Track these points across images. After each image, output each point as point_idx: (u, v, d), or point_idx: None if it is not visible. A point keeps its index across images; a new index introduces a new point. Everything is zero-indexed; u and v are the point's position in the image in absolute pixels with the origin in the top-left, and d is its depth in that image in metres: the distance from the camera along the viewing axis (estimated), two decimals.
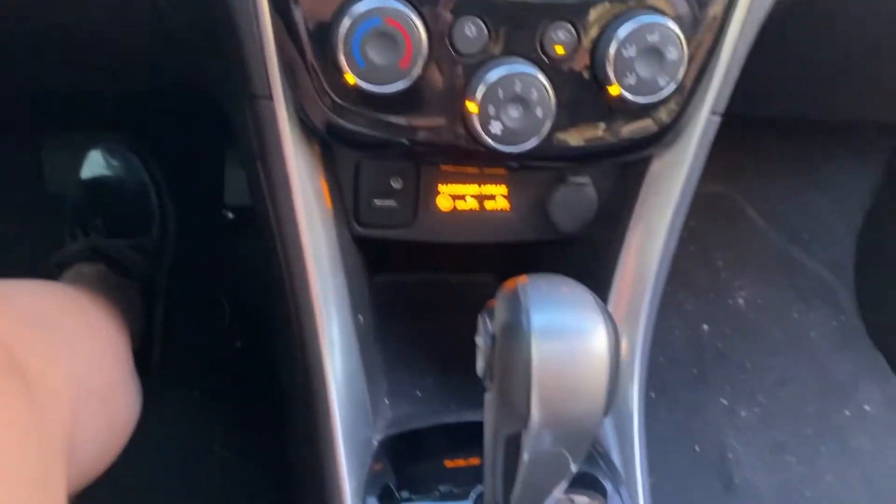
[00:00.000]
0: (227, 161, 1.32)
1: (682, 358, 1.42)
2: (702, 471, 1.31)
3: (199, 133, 1.30)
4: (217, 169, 1.31)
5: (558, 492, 0.52)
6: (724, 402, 1.39)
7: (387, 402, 0.81)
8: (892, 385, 1.45)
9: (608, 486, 0.68)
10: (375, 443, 0.70)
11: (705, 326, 1.47)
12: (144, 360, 1.15)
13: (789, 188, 1.59)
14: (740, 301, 1.51)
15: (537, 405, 0.46)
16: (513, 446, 0.50)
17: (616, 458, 0.71)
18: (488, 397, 0.51)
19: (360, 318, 0.72)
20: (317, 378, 0.65)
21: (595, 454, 0.71)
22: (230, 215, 1.34)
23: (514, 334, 0.46)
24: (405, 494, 0.66)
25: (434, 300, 0.95)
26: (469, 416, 0.73)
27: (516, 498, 0.53)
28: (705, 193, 1.59)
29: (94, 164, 1.22)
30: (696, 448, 1.34)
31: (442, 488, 0.66)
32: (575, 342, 0.46)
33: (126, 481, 1.08)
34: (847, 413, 1.40)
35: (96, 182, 1.21)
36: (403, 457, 0.70)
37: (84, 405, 0.60)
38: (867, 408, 1.41)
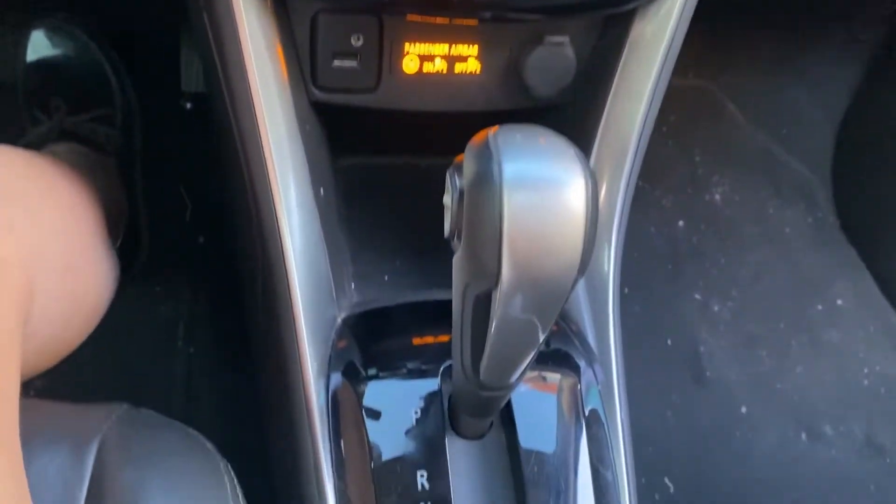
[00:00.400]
0: (182, 48, 1.23)
1: (657, 254, 1.40)
2: (673, 365, 1.31)
3: (150, 16, 1.22)
4: (172, 55, 1.23)
5: (527, 362, 0.49)
6: (698, 297, 1.38)
7: (353, 286, 0.77)
8: (864, 280, 1.44)
9: (581, 362, 0.66)
10: (339, 321, 0.67)
11: (681, 223, 1.44)
12: (133, 244, 1.11)
13: (771, 84, 1.54)
14: (717, 197, 1.48)
15: (508, 260, 0.42)
16: (481, 310, 0.47)
17: (591, 337, 0.69)
18: (456, 258, 0.47)
19: (322, 190, 0.67)
20: (275, 250, 0.61)
21: (569, 332, 0.69)
22: (188, 105, 1.26)
23: (484, 186, 0.42)
24: (371, 371, 0.63)
25: (403, 185, 0.90)
26: (439, 296, 0.70)
27: (485, 367, 0.50)
28: (686, 88, 1.55)
29: (40, 45, 1.14)
30: (669, 342, 1.33)
31: (410, 365, 0.63)
32: (550, 193, 0.42)
33: (87, 377, 1.05)
34: (819, 307, 1.40)
35: (46, 62, 1.12)
36: (369, 335, 0.66)
37: (42, 277, 0.55)
38: (839, 302, 1.41)
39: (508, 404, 0.61)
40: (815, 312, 1.40)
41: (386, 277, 0.80)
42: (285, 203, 0.61)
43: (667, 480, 1.18)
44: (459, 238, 0.45)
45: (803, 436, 1.28)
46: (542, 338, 0.46)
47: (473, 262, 0.44)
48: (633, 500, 0.61)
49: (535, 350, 0.48)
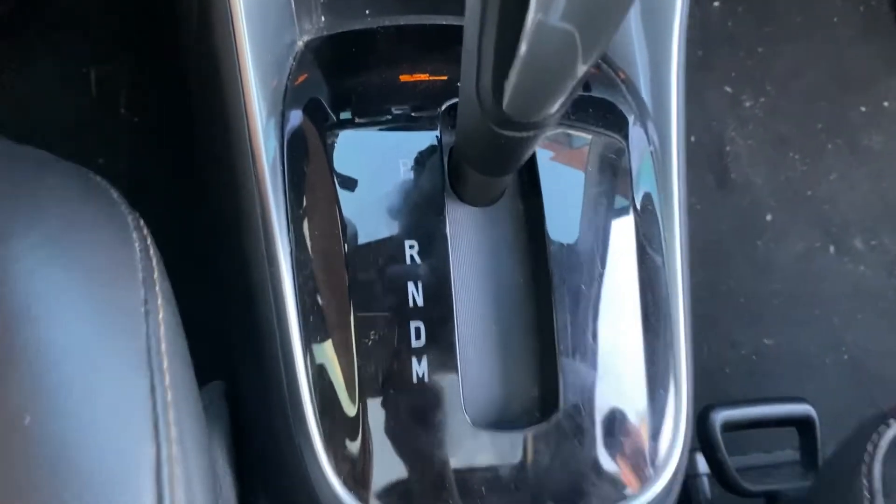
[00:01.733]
0: None
1: (687, 37, 1.20)
2: (696, 164, 1.15)
3: None
4: None
5: (568, 93, 0.34)
6: (729, 90, 1.21)
7: (322, 19, 0.58)
8: None
9: (630, 117, 0.49)
10: (301, 45, 0.49)
11: (716, 3, 1.24)
12: None
13: None
14: None
15: None
16: None
17: (643, 87, 0.51)
18: None
19: None
20: None
21: (615, 79, 0.51)
22: None
23: None
24: (344, 115, 0.46)
25: None
26: (437, 21, 0.51)
27: (514, 87, 0.34)
28: None
29: None
30: (692, 139, 1.17)
31: (397, 106, 0.46)
32: None
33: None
34: (862, 109, 1.23)
35: None
36: (342, 66, 0.48)
37: None
38: (885, 104, 1.24)
39: (531, 163, 0.45)
40: (856, 114, 1.23)
41: (367, 11, 0.61)
42: None
43: None
44: None
45: (831, 248, 1.16)
46: (581, 69, 0.32)
47: None
48: (687, 292, 0.47)
49: (571, 86, 0.33)
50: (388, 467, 0.42)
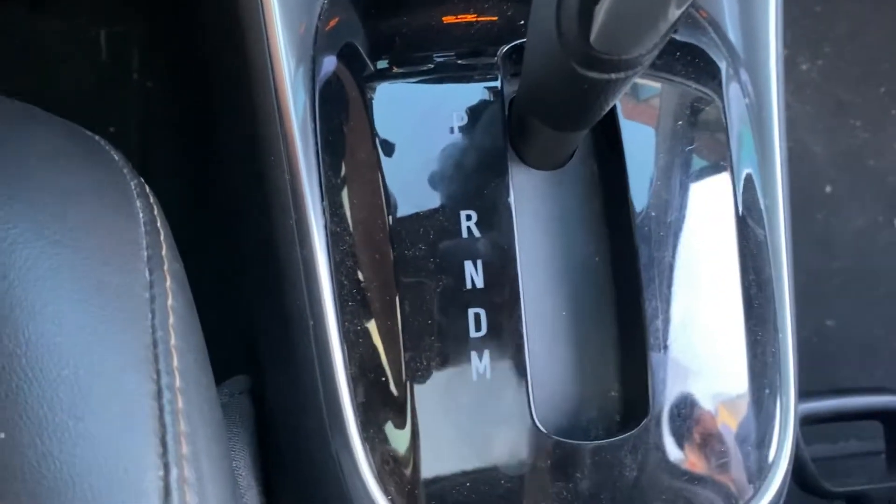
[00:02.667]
0: None
1: None
2: None
3: None
4: None
5: (661, 35, 0.29)
6: (784, 51, 1.12)
7: None
8: None
9: (722, 64, 0.41)
10: None
11: None
12: None
13: None
14: None
15: None
16: None
17: (731, 29, 0.44)
18: None
19: None
20: None
21: (699, 20, 0.43)
22: None
23: None
24: (385, 63, 0.39)
25: None
26: None
27: (606, 14, 0.27)
28: None
29: None
30: None
31: (446, 55, 0.39)
32: None
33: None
34: None
35: None
36: (380, 6, 0.41)
37: None
38: None
39: (610, 117, 0.38)
40: None
41: None
42: None
43: None
44: None
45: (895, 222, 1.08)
46: (674, 11, 0.27)
47: None
48: (790, 270, 0.40)
49: (663, 27, 0.28)
50: (441, 480, 0.35)
